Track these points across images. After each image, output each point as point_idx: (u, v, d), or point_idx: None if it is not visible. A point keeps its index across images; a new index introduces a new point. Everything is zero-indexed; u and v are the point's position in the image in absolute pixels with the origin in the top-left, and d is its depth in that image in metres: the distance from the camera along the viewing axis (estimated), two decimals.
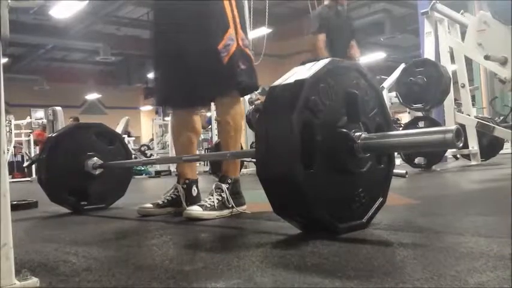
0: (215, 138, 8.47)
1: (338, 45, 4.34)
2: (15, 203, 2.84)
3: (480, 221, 1.59)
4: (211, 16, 2.05)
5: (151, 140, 13.05)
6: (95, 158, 2.50)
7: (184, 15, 2.08)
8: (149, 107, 21.03)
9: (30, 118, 11.33)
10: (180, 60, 2.08)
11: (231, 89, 2.08)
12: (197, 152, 2.91)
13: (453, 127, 1.21)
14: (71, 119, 9.30)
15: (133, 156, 4.51)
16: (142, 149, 11.43)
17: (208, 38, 2.02)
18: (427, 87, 4.48)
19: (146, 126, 16.92)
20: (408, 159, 4.91)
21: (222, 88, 2.07)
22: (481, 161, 5.47)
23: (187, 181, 2.20)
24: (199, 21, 2.05)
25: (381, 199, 1.50)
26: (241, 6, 2.16)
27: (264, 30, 5.33)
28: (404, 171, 3.94)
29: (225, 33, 2.03)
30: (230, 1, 2.08)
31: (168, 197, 2.17)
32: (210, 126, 8.66)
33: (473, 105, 6.57)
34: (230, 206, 1.97)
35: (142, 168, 9.49)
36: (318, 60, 1.36)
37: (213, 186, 2.01)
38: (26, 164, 10.38)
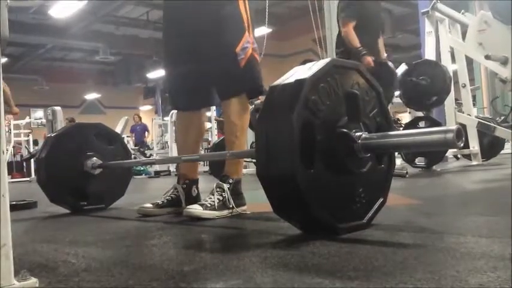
0: (215, 138, 8.48)
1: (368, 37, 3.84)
2: (14, 203, 2.84)
3: (481, 221, 1.58)
4: (229, 17, 2.04)
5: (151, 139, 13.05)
6: (94, 158, 2.49)
7: (202, 16, 2.07)
8: (148, 107, 21.06)
9: (30, 118, 11.34)
10: (196, 62, 2.07)
11: (245, 92, 2.09)
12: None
13: (454, 127, 1.20)
14: (66, 120, 9.25)
15: (132, 156, 4.51)
16: (142, 149, 11.42)
17: (226, 40, 2.02)
18: (428, 87, 4.46)
19: None
20: (409, 159, 4.91)
21: (238, 91, 2.07)
22: (482, 161, 5.46)
23: (187, 181, 2.20)
24: (217, 23, 2.04)
25: (381, 199, 1.49)
26: (251, 7, 2.14)
27: (264, 30, 5.33)
28: (404, 171, 3.94)
29: (242, 35, 2.02)
30: (244, 1, 2.07)
31: (167, 197, 2.17)
32: (210, 126, 8.66)
33: (474, 105, 6.57)
34: (230, 206, 1.96)
35: (142, 169, 9.49)
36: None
37: (214, 186, 2.00)
38: (25, 157, 10.39)
